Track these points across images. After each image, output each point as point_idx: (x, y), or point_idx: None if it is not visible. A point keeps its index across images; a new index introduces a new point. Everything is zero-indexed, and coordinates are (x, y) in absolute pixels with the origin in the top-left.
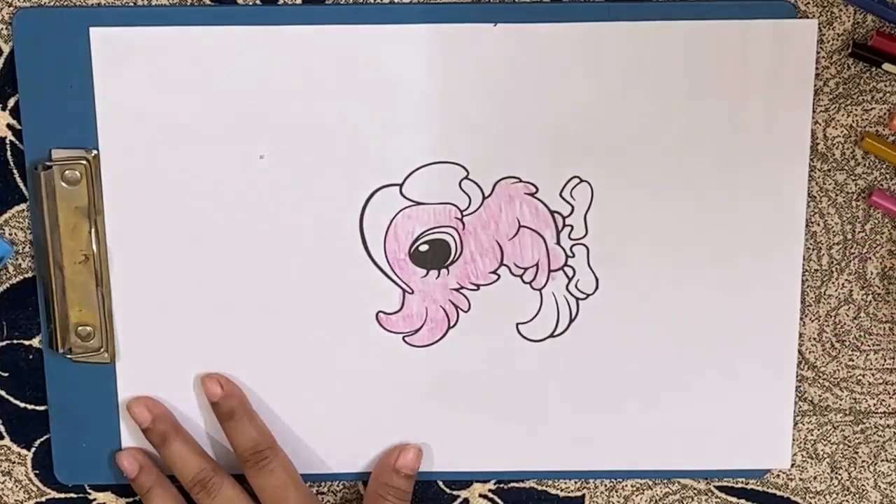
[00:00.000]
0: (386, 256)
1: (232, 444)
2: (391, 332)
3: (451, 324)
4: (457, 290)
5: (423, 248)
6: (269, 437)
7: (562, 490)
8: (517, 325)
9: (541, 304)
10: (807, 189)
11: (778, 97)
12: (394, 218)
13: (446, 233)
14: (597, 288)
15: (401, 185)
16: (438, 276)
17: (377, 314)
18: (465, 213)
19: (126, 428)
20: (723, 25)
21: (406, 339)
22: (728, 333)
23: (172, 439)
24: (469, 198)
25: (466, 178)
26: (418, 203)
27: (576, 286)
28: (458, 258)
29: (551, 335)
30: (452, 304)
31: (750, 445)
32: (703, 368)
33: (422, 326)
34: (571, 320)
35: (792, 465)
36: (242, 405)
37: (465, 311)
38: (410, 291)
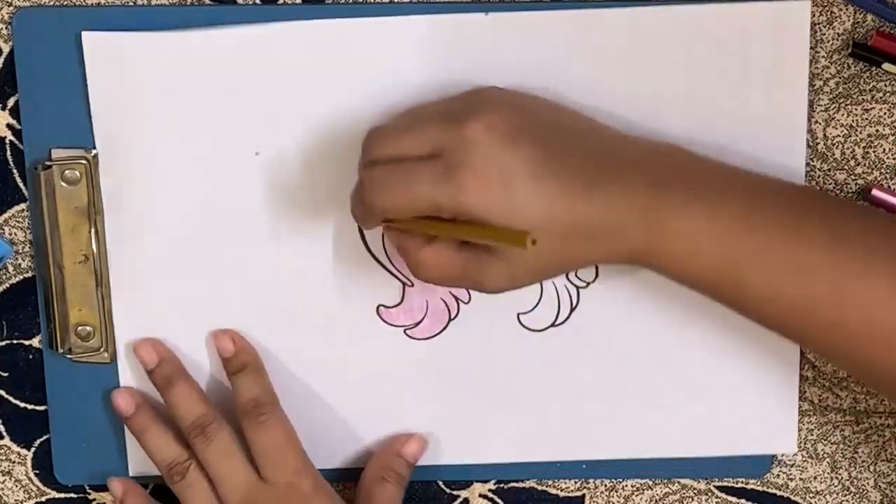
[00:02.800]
0: (385, 249)
1: (234, 397)
2: (392, 325)
3: (452, 316)
4: None
5: None
6: (272, 395)
7: (562, 490)
8: (518, 315)
9: (541, 293)
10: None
11: (774, 81)
12: None
13: None
14: (596, 276)
15: None
16: None
17: (378, 308)
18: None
19: (127, 427)
20: (717, 9)
21: (407, 331)
22: (730, 318)
23: (177, 382)
24: None
25: None
26: None
27: (576, 274)
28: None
29: (553, 324)
30: (453, 295)
31: (755, 431)
32: (706, 354)
33: (423, 319)
34: (573, 309)
35: (792, 465)
36: (254, 360)
37: (466, 303)
38: (410, 284)
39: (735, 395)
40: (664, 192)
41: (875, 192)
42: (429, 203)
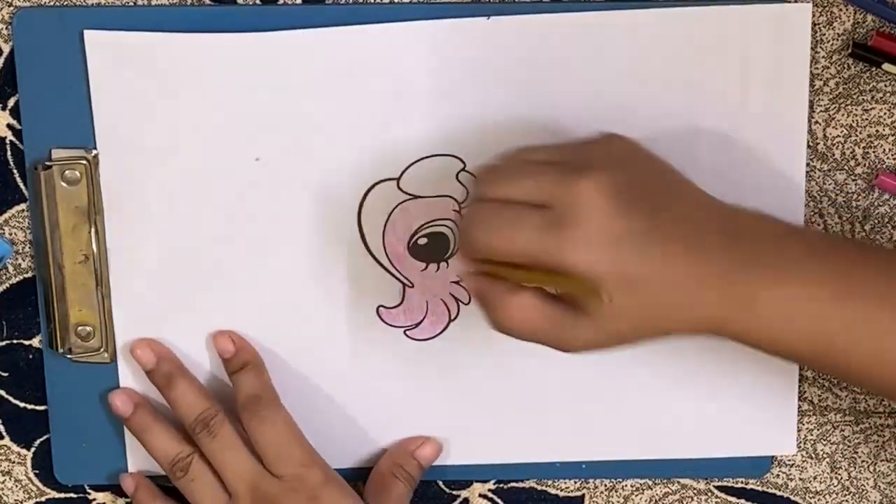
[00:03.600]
0: (385, 251)
1: (236, 394)
2: (392, 325)
3: (452, 316)
4: (457, 282)
5: (422, 241)
6: (271, 392)
7: (562, 490)
8: None
9: None
10: (805, 184)
11: (775, 83)
12: (392, 212)
13: (445, 225)
14: None
15: (398, 180)
16: (438, 269)
17: (378, 308)
18: (463, 205)
19: (126, 428)
20: (718, 11)
21: (407, 332)
22: None
23: (178, 379)
24: (467, 190)
25: (463, 170)
26: (416, 197)
27: None
28: (457, 251)
29: None
30: (453, 296)
31: (754, 432)
32: (706, 356)
33: (423, 320)
34: None
35: (792, 465)
36: (254, 358)
37: (466, 304)
38: (410, 285)
39: (734, 396)
40: (759, 266)
41: (882, 178)
42: (530, 251)
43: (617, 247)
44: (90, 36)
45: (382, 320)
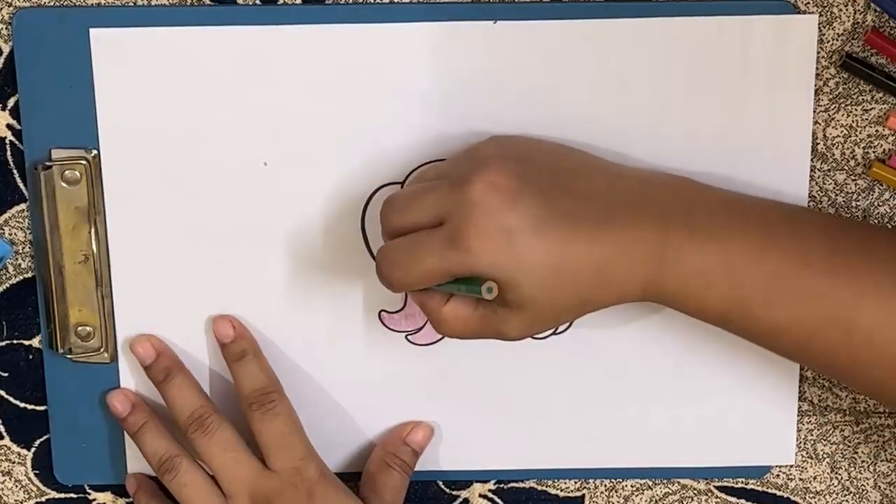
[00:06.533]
0: None
1: (238, 386)
2: (394, 330)
3: None
4: None
5: None
6: (276, 382)
7: (562, 490)
8: None
9: None
10: (808, 188)
11: (778, 95)
12: None
13: None
14: None
15: (402, 184)
16: None
17: (380, 313)
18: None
19: (123, 428)
20: (722, 21)
21: (409, 337)
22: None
23: (175, 375)
24: None
25: None
26: None
27: None
28: None
29: (553, 332)
30: None
31: (753, 442)
32: (706, 364)
33: (424, 325)
34: None
35: (792, 466)
36: (253, 347)
37: None
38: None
39: (734, 405)
40: (676, 230)
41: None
42: (441, 271)
43: (512, 241)
44: (96, 34)
45: (384, 325)
